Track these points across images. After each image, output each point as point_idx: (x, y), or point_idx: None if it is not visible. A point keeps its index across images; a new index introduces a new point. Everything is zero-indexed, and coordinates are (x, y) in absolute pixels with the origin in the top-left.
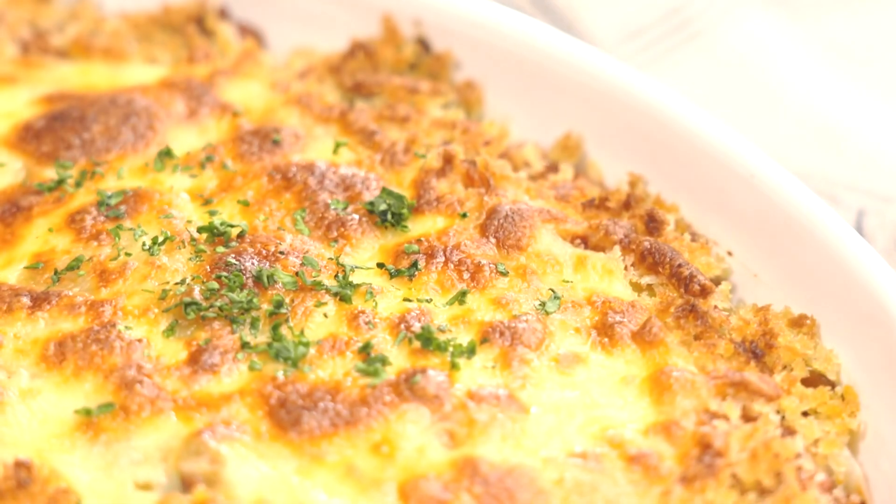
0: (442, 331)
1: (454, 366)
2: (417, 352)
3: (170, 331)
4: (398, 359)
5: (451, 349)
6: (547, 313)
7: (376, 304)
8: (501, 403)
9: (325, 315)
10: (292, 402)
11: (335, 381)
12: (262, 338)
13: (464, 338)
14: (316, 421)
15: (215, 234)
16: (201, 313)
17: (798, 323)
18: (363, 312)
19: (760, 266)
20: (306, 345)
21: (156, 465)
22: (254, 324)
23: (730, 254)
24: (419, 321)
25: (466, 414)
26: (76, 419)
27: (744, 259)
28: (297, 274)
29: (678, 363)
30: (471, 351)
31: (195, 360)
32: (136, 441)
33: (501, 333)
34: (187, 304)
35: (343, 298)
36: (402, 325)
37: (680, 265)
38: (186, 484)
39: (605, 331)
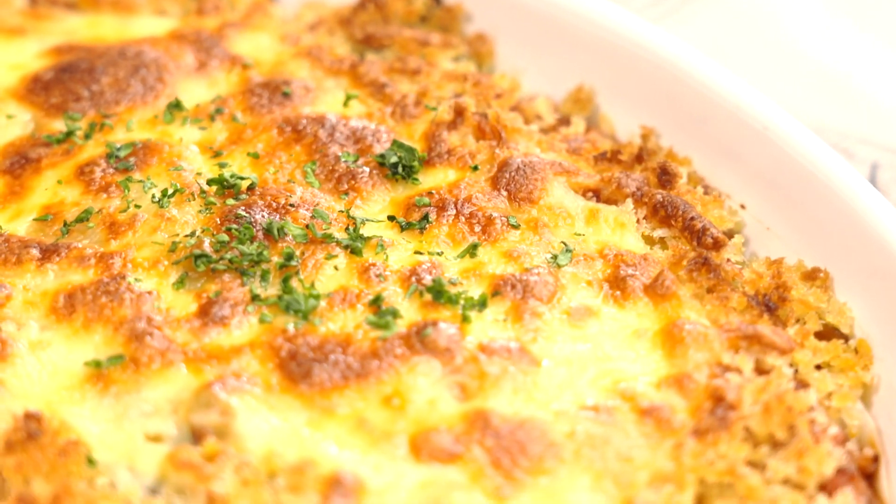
0: (453, 284)
1: (465, 319)
2: (428, 305)
3: (180, 283)
4: (409, 312)
5: (462, 302)
6: (559, 266)
7: (387, 256)
8: (513, 356)
9: (336, 268)
10: (303, 354)
11: (346, 334)
12: (272, 290)
13: (475, 291)
14: (326, 374)
15: (225, 186)
16: (211, 266)
17: (811, 276)
18: (374, 265)
19: (773, 219)
20: (317, 297)
21: (166, 418)
22: (264, 276)
23: (743, 207)
24: (430, 274)
25: (478, 367)
26: (86, 371)
27: (757, 212)
28: (307, 227)
29: (691, 316)
30: (482, 304)
31: (205, 312)
32: (146, 393)
33: (513, 286)
34: (197, 257)
35: (354, 251)
36: (413, 278)
37: (692, 218)
38: (197, 436)
39: (617, 284)
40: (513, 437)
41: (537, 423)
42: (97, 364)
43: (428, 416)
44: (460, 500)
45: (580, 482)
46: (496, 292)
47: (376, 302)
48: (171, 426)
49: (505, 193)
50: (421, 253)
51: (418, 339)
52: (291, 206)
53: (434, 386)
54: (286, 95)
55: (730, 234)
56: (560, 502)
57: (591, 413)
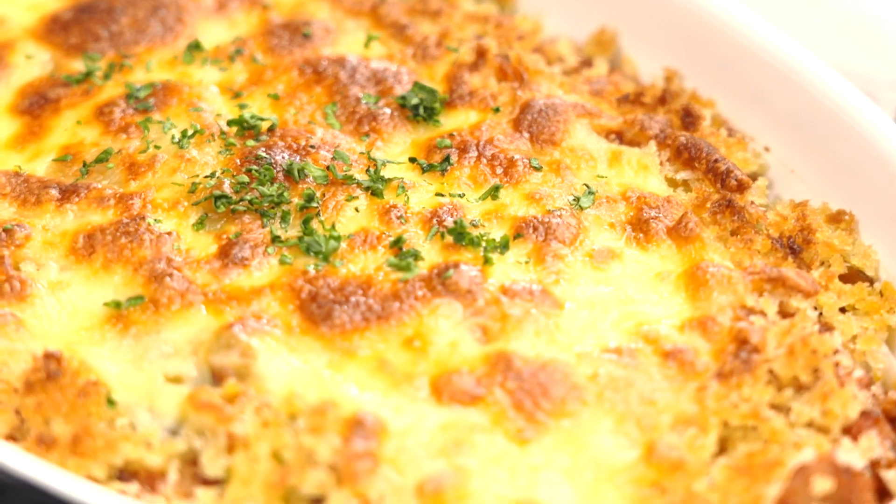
0: (475, 226)
1: (487, 261)
2: (450, 247)
3: (199, 224)
4: (430, 254)
5: (483, 244)
6: (581, 209)
7: (408, 198)
8: (535, 299)
9: (357, 209)
10: (323, 296)
11: (367, 276)
12: (292, 232)
13: (497, 233)
14: (347, 315)
15: (245, 127)
16: (231, 207)
17: (836, 219)
18: (395, 207)
19: (798, 161)
20: (337, 239)
21: (186, 359)
22: (284, 218)
23: (767, 149)
24: (451, 216)
25: (499, 309)
26: (105, 312)
27: (781, 155)
28: (327, 168)
29: (714, 259)
30: (504, 246)
31: (225, 253)
32: (165, 334)
33: (535, 229)
34: (217, 198)
35: (374, 193)
36: (435, 220)
37: (716, 160)
38: (217, 377)
39: (640, 226)
40: (535, 380)
41: (560, 366)
42: (117, 305)
43: (449, 358)
44: (482, 443)
45: (603, 425)
46: (518, 234)
47: (397, 244)
48: (191, 367)
49: (527, 135)
50: (442, 195)
51: (440, 282)
52: (312, 147)
53: (455, 328)
54: (306, 36)
55: (754, 177)
56: (582, 445)
57: (614, 356)
